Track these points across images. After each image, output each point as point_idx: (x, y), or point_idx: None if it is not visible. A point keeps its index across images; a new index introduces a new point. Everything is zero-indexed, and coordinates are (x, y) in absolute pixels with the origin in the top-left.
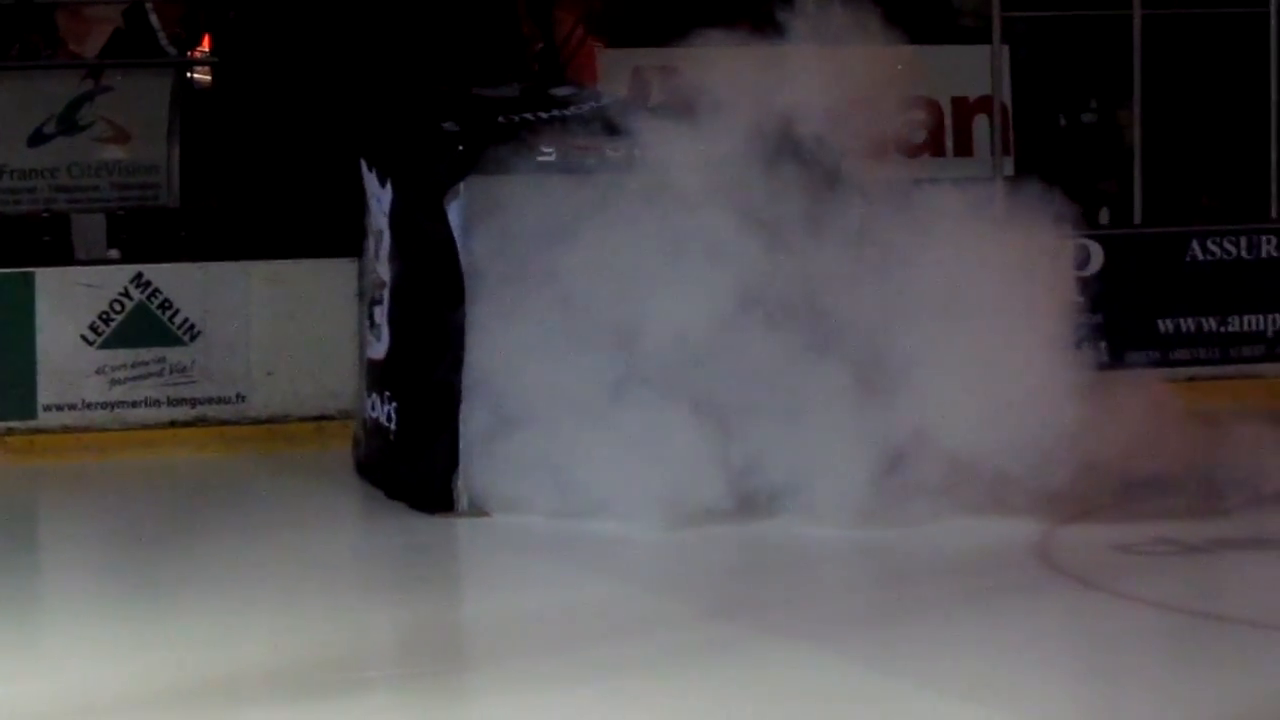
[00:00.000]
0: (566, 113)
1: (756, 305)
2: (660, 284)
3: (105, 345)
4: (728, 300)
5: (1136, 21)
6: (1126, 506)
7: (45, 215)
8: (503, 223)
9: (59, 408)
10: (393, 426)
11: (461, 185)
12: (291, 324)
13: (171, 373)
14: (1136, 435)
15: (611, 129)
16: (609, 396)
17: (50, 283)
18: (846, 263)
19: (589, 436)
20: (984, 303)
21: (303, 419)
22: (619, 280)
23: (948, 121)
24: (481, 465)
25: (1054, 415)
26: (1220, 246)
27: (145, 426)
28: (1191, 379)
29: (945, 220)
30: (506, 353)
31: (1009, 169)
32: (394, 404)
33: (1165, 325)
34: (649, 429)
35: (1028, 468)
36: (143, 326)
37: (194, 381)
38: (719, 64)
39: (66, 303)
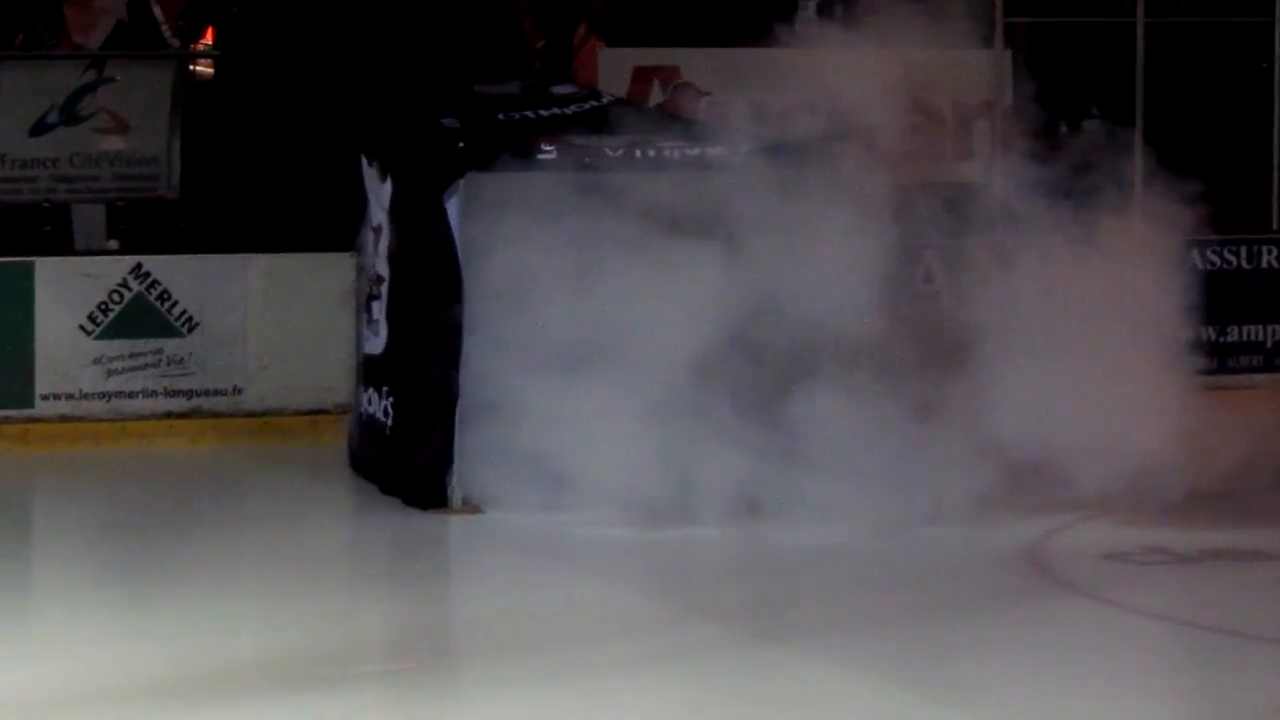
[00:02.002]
0: (567, 111)
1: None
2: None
3: (103, 335)
4: (749, 302)
5: (1140, 29)
6: (1119, 514)
7: (45, 205)
8: (501, 219)
9: (56, 397)
10: (388, 422)
11: (461, 182)
12: (289, 317)
13: (168, 364)
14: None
15: (611, 127)
16: (605, 397)
17: (49, 272)
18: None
19: (583, 434)
20: (1091, 312)
21: (298, 412)
22: (617, 281)
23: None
24: (476, 461)
25: (1164, 425)
26: (1220, 256)
27: (141, 417)
28: None
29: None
30: (504, 351)
31: (1008, 175)
32: (390, 399)
33: None
34: (646, 430)
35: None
36: (141, 317)
37: (191, 373)
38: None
39: (65, 292)
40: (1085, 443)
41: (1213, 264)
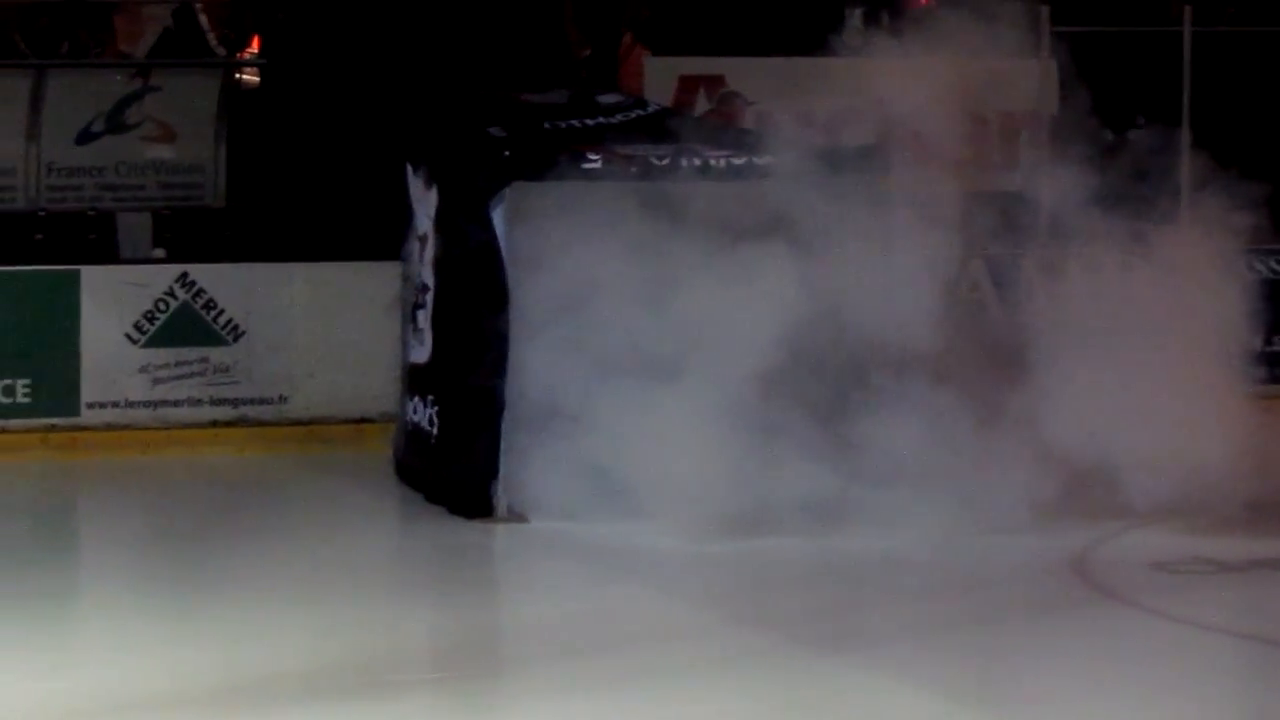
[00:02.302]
0: (613, 120)
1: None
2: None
3: (149, 344)
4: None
5: (1186, 37)
6: (1169, 524)
7: (91, 213)
8: (547, 228)
9: (102, 405)
10: (434, 430)
11: (506, 191)
12: (334, 326)
13: (214, 372)
14: None
15: (657, 136)
16: (654, 406)
17: (95, 281)
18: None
19: (631, 443)
20: (1146, 322)
21: (343, 421)
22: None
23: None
24: (522, 470)
25: (1219, 436)
26: (1267, 265)
27: (187, 426)
28: None
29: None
30: (551, 359)
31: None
32: (435, 408)
33: None
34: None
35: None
36: (186, 326)
37: (236, 382)
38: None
39: (111, 301)
40: (1141, 453)
41: (1272, 272)
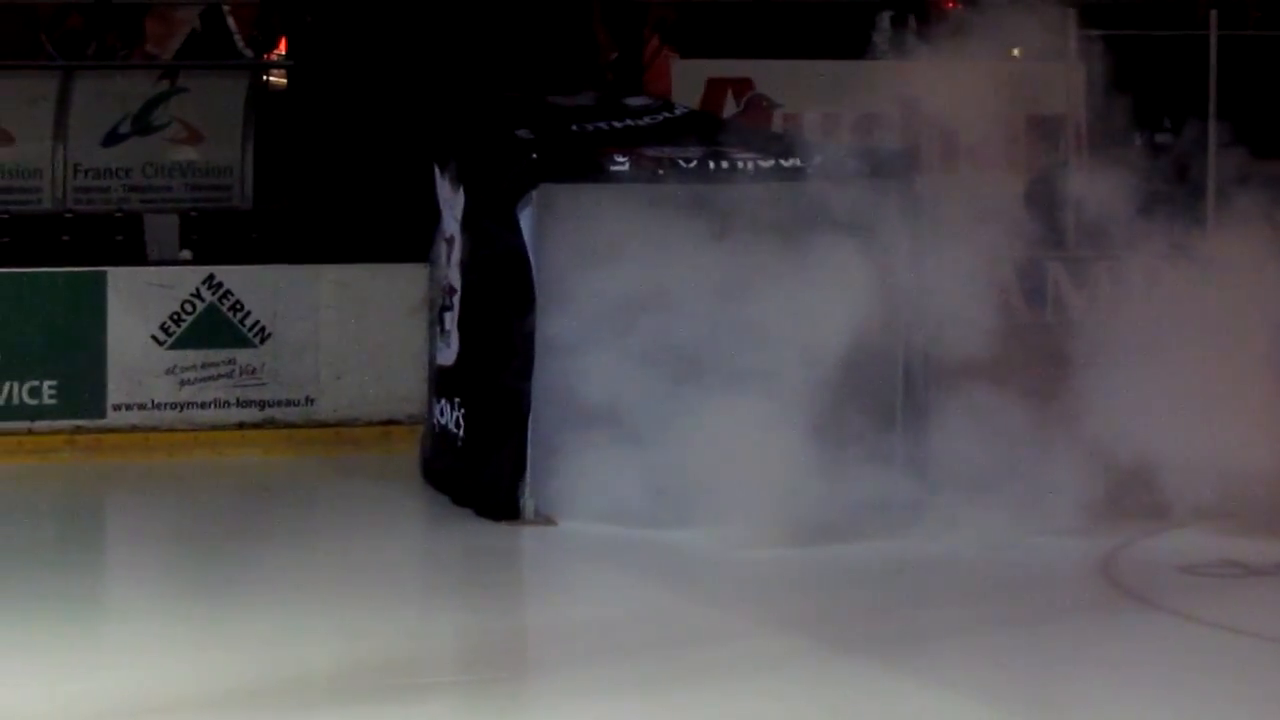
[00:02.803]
0: (640, 122)
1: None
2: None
3: (175, 346)
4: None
5: (1213, 41)
6: (1204, 526)
7: (118, 215)
8: (575, 231)
9: (128, 407)
10: (460, 433)
11: (534, 193)
12: (361, 328)
13: (241, 374)
14: None
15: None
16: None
17: (122, 282)
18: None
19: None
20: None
21: (370, 423)
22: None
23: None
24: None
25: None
26: None
27: (213, 428)
28: None
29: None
30: (578, 361)
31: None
32: (462, 410)
33: None
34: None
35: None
36: (213, 328)
37: (263, 384)
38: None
39: (138, 303)
40: (1189, 456)
41: None
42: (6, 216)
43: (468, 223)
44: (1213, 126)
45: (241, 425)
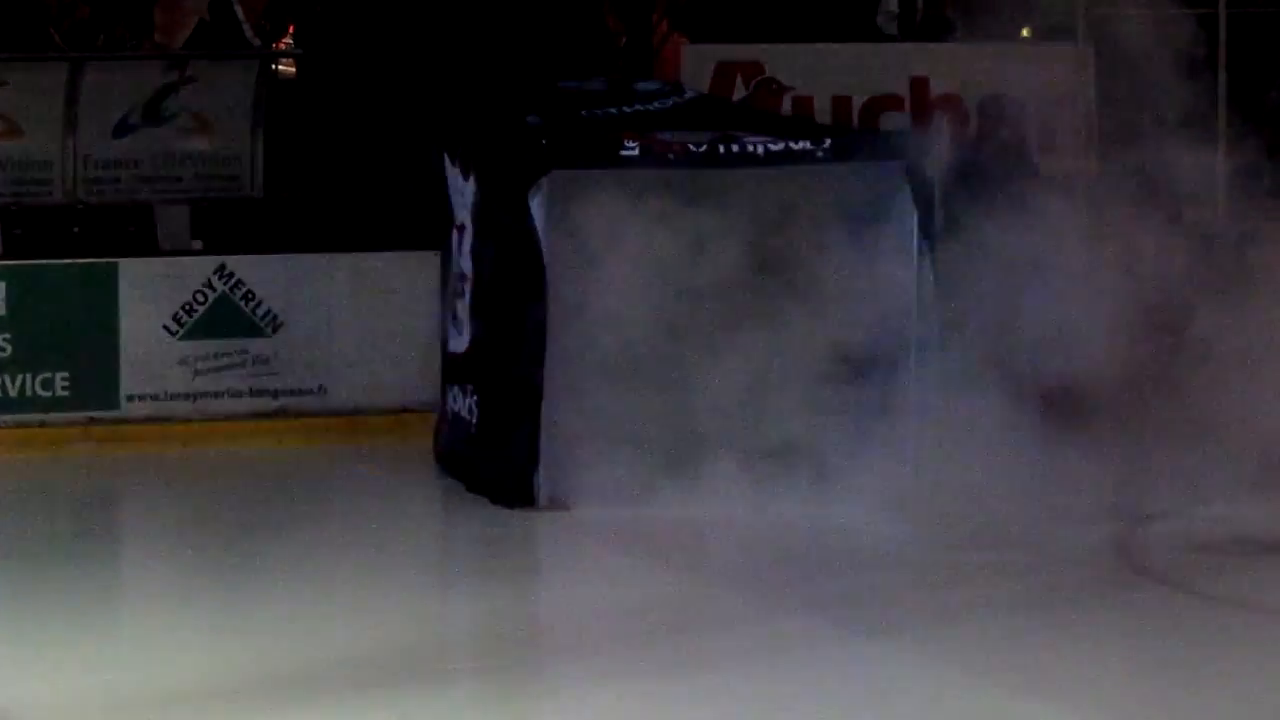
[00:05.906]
0: (650, 107)
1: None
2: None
3: (188, 336)
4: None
5: (1222, 19)
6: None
7: (129, 205)
8: (585, 216)
9: (141, 398)
10: (473, 420)
11: (544, 180)
12: (373, 316)
13: (254, 364)
14: None
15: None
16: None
17: (133, 273)
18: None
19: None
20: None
21: (384, 411)
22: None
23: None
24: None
25: None
26: None
27: (227, 417)
28: None
29: None
30: (586, 346)
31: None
32: (475, 397)
33: None
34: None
35: None
36: (225, 318)
37: (276, 373)
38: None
39: (150, 293)
40: None
41: None
42: (17, 209)
43: (479, 210)
44: (1223, 106)
45: (255, 415)
